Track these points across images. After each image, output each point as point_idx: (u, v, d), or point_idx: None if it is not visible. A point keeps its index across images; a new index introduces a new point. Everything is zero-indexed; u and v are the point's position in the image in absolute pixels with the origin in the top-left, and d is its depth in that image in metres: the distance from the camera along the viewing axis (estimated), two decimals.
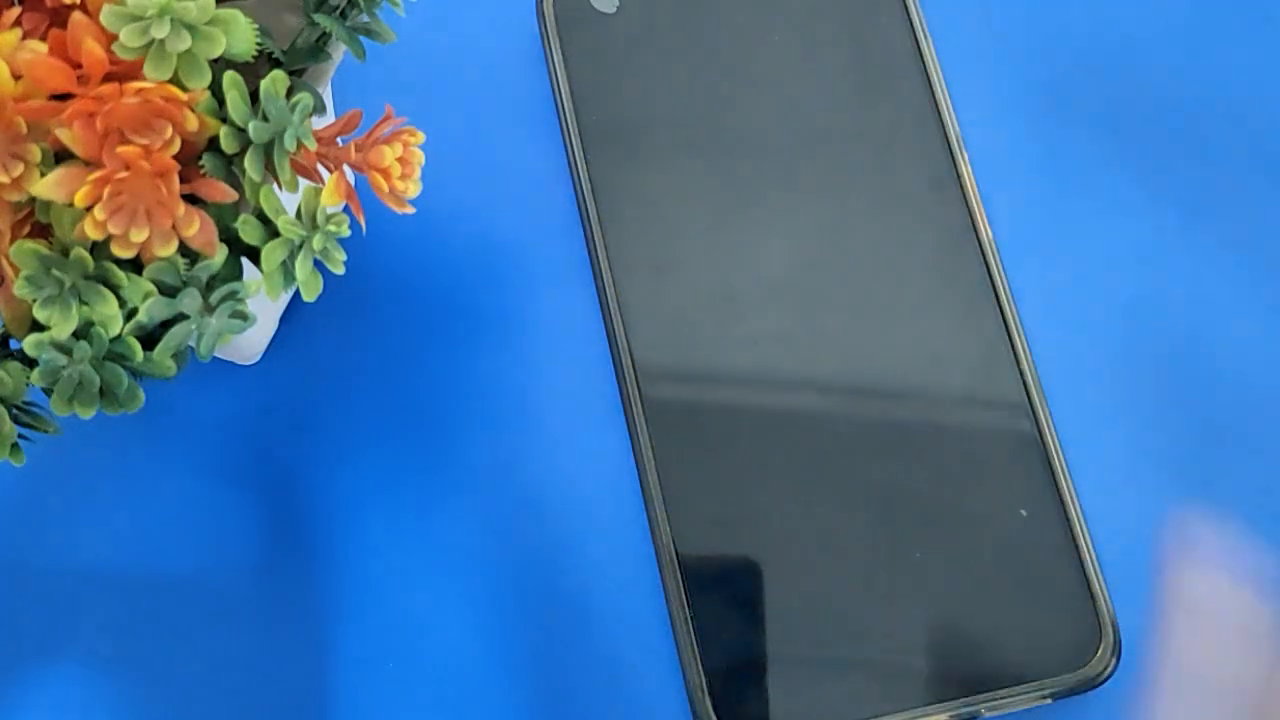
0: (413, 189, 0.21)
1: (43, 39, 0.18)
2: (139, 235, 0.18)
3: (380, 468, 0.29)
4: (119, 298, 0.19)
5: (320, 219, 0.20)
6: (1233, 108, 0.32)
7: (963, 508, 0.28)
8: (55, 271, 0.18)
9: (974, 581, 0.28)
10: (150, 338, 0.20)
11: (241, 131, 0.19)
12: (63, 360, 0.19)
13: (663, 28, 0.32)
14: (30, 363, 0.20)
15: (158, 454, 0.29)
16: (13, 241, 0.19)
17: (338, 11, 0.22)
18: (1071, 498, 0.28)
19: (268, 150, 0.20)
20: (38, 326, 0.19)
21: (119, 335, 0.19)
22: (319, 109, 0.22)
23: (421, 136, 0.21)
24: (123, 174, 0.18)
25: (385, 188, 0.21)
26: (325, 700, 0.28)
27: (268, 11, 0.24)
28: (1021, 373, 0.29)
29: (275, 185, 0.20)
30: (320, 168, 0.21)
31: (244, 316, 0.20)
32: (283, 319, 0.30)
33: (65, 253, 0.19)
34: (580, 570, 0.28)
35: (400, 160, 0.21)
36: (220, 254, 0.19)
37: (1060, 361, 0.30)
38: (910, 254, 0.30)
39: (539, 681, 0.27)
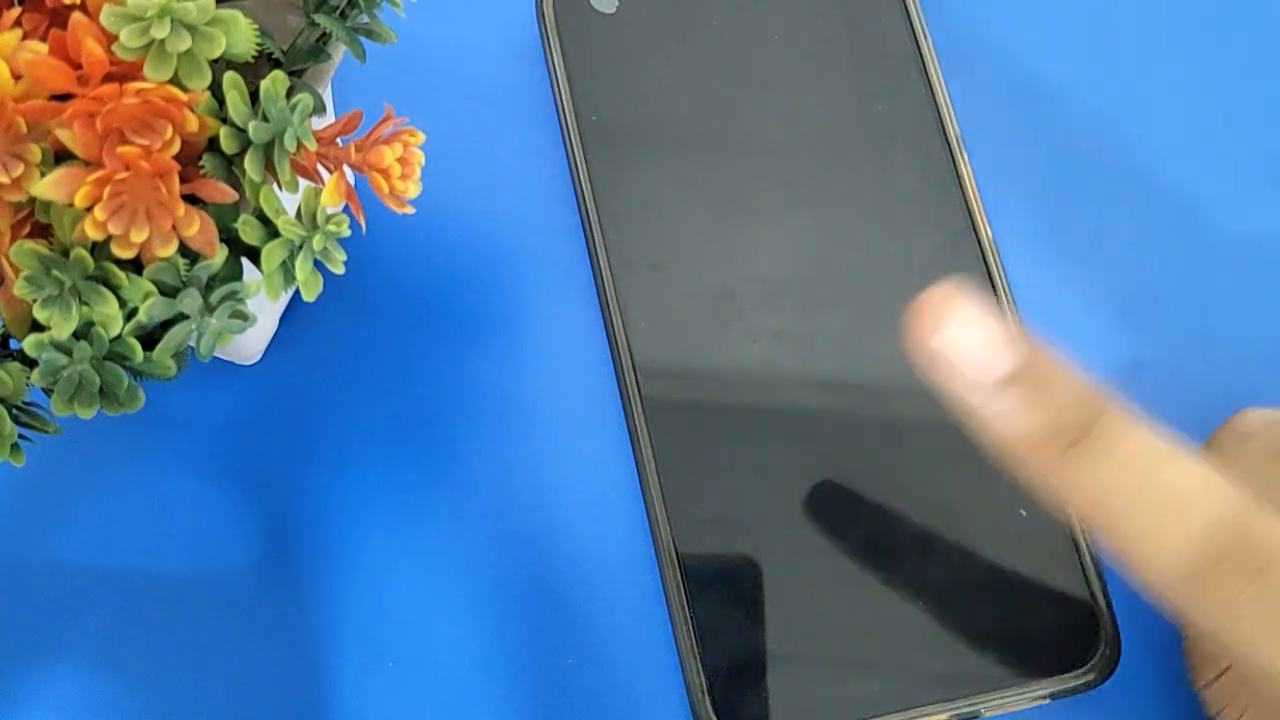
0: (413, 189, 0.21)
1: (43, 39, 0.18)
2: (139, 235, 0.18)
3: (380, 467, 0.29)
4: (119, 298, 0.19)
5: (320, 219, 0.20)
6: (1234, 105, 0.32)
7: (962, 507, 0.28)
8: (55, 271, 0.18)
9: (974, 581, 0.28)
10: (150, 338, 0.20)
11: (241, 132, 0.19)
12: (63, 360, 0.19)
13: (663, 28, 0.32)
14: (30, 363, 0.20)
15: (158, 454, 0.29)
16: (13, 241, 0.19)
17: (338, 11, 0.22)
18: None
19: (268, 150, 0.20)
20: (38, 326, 0.19)
21: (119, 335, 0.19)
22: (319, 109, 0.22)
23: (421, 137, 0.21)
24: (123, 174, 0.18)
25: (385, 188, 0.21)
26: (325, 700, 0.28)
27: (268, 11, 0.24)
28: None
29: (275, 185, 0.20)
30: (320, 168, 0.21)
31: (244, 316, 0.20)
32: (283, 319, 0.30)
33: (65, 253, 0.19)
34: (580, 570, 0.28)
35: (400, 160, 0.21)
36: (220, 254, 0.19)
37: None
38: (910, 254, 0.30)
39: (539, 681, 0.27)
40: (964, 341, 0.21)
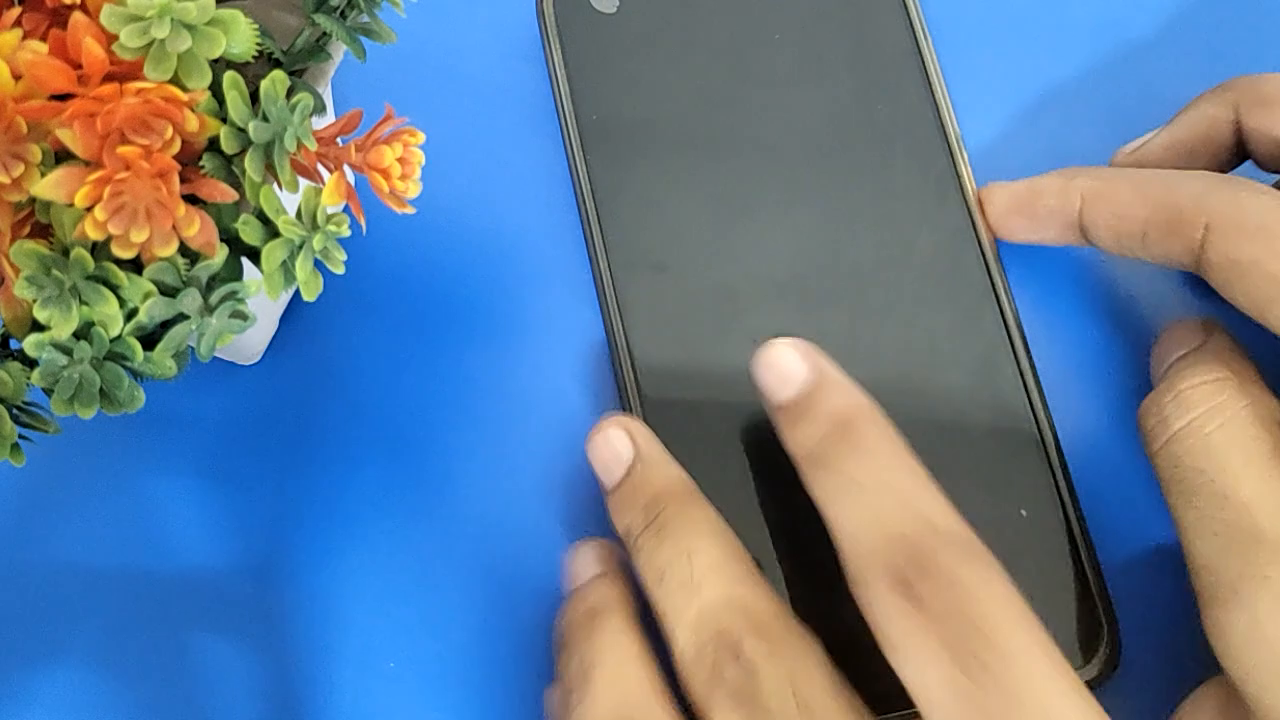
0: (413, 189, 0.21)
1: (43, 39, 0.18)
2: (139, 235, 0.18)
3: (380, 467, 0.29)
4: (119, 298, 0.19)
5: (320, 219, 0.20)
6: None
7: (963, 508, 0.28)
8: (55, 271, 0.18)
9: None
10: (150, 338, 0.20)
11: (242, 132, 0.19)
12: (63, 360, 0.19)
13: (663, 28, 0.32)
14: (30, 363, 0.20)
15: (158, 454, 0.29)
16: (13, 241, 0.19)
17: (338, 12, 0.22)
18: (1071, 498, 0.28)
19: (268, 150, 0.20)
20: (38, 326, 0.19)
21: (119, 335, 0.19)
22: (319, 109, 0.22)
23: (421, 136, 0.21)
24: (123, 174, 0.18)
25: (385, 188, 0.21)
26: (326, 700, 0.28)
27: (268, 11, 0.24)
28: (1021, 373, 0.29)
29: (275, 185, 0.20)
30: (320, 168, 0.21)
31: (244, 316, 0.20)
32: (283, 319, 0.30)
33: (65, 253, 0.19)
34: None
35: (400, 160, 0.21)
36: (220, 254, 0.19)
37: (1060, 361, 0.30)
38: (910, 254, 0.30)
39: (539, 681, 0.27)
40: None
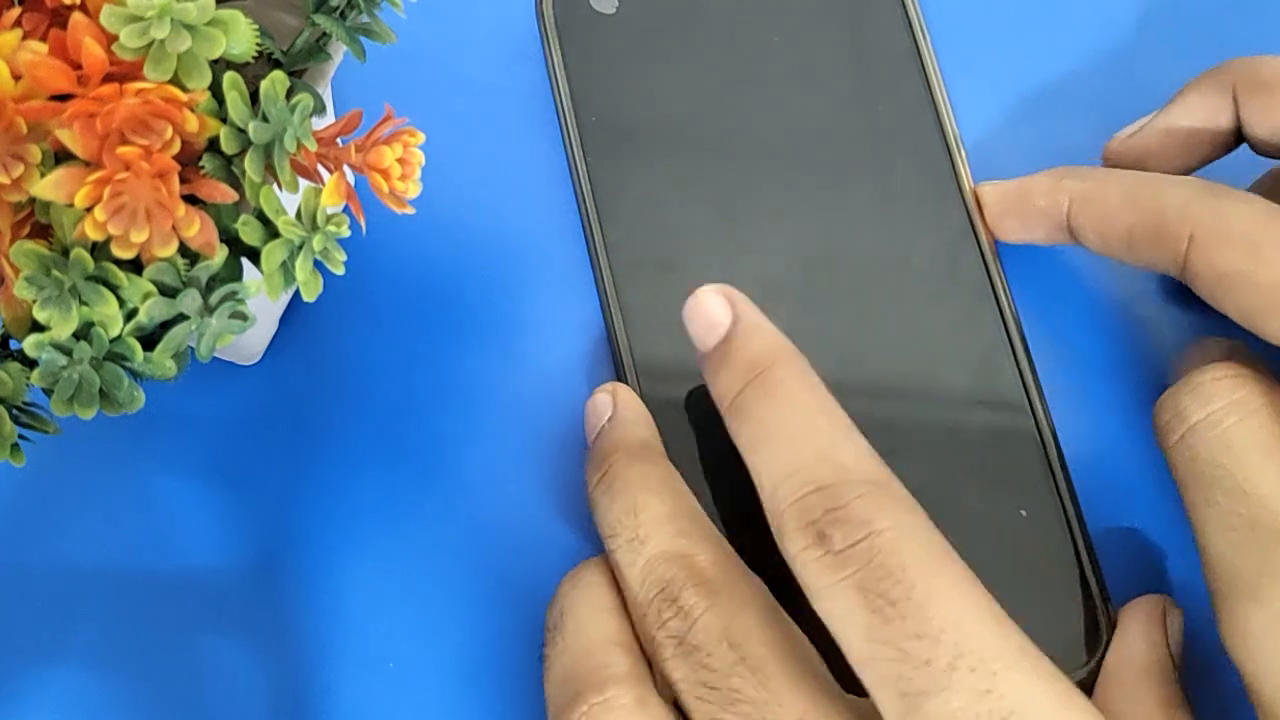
0: (413, 189, 0.21)
1: (43, 39, 0.18)
2: (139, 236, 0.18)
3: (380, 467, 0.29)
4: (119, 298, 0.19)
5: (320, 219, 0.20)
6: None
7: (963, 508, 0.28)
8: (55, 272, 0.18)
9: None
10: (150, 338, 0.20)
11: (241, 132, 0.19)
12: (63, 361, 0.19)
13: (662, 28, 0.32)
14: (30, 363, 0.20)
15: (158, 454, 0.29)
16: (13, 242, 0.19)
17: (338, 12, 0.22)
18: (1071, 498, 0.28)
19: (268, 151, 0.20)
20: (38, 327, 0.19)
21: (119, 336, 0.19)
22: (319, 109, 0.22)
23: (421, 137, 0.21)
24: (123, 175, 0.18)
25: (385, 188, 0.21)
26: (325, 700, 0.28)
27: (268, 12, 0.24)
28: (1021, 373, 0.29)
29: (275, 186, 0.20)
30: (320, 168, 0.21)
31: (244, 317, 0.20)
32: (283, 319, 0.30)
33: (65, 253, 0.19)
34: None
35: (400, 161, 0.21)
36: (220, 254, 0.19)
37: (1060, 361, 0.30)
38: (910, 254, 0.30)
39: (539, 681, 0.27)
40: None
